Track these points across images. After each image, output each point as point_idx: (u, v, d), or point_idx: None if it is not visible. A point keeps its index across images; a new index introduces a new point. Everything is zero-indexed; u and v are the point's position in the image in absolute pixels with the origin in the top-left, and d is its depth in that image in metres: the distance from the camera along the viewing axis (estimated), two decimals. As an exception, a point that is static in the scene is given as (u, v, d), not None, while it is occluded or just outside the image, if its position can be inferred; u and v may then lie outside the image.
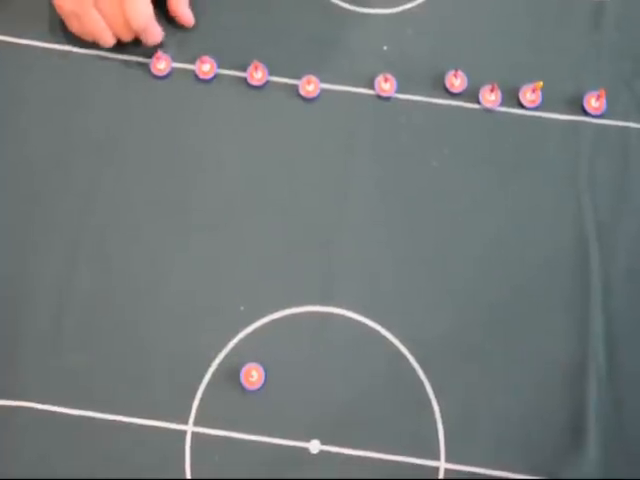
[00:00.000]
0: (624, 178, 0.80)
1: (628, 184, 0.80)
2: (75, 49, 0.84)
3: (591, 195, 0.80)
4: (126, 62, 0.83)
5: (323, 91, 0.83)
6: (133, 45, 0.83)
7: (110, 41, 0.82)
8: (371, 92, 0.83)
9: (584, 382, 0.75)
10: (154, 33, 0.82)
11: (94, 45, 0.83)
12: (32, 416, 0.73)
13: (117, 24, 0.80)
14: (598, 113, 0.81)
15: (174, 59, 0.83)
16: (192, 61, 0.83)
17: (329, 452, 0.73)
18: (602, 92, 0.80)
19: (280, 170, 0.81)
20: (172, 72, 0.83)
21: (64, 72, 0.83)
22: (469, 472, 0.73)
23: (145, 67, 0.83)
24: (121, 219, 0.79)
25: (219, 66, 0.83)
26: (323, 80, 0.83)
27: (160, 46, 0.83)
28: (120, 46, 0.83)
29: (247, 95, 0.83)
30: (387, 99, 0.83)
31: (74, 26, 0.82)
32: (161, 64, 0.83)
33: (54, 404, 0.74)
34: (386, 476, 0.72)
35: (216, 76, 0.83)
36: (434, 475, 0.73)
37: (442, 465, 0.73)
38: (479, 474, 0.72)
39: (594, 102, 0.81)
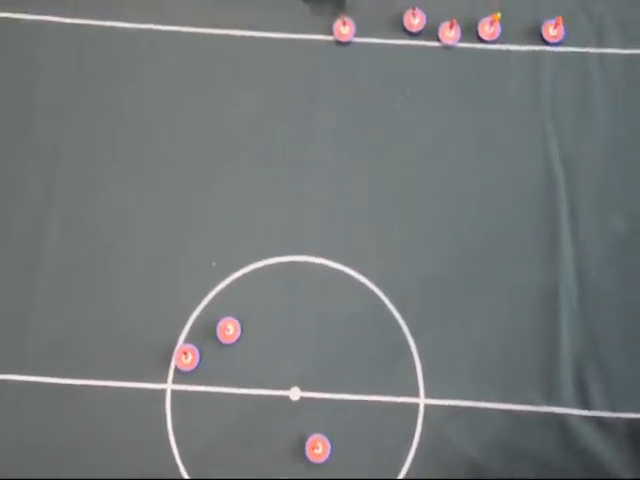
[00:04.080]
0: (586, 103, 0.80)
1: (590, 109, 0.80)
2: (26, 16, 0.82)
3: (554, 123, 0.79)
4: (82, 26, 0.82)
5: (282, 41, 0.82)
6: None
7: None
8: (330, 38, 0.82)
9: (556, 308, 0.75)
10: None
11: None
12: (11, 388, 0.73)
13: None
14: (557, 41, 0.81)
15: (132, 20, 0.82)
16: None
17: (310, 398, 0.73)
18: (559, 19, 0.79)
19: (244, 124, 0.80)
20: (131, 31, 0.82)
21: (19, 39, 0.82)
22: (448, 406, 0.73)
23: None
24: (88, 181, 0.78)
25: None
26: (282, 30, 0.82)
27: None
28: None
29: (207, 48, 0.82)
30: (347, 44, 0.82)
31: None
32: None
33: (32, 374, 0.74)
34: (368, 417, 0.73)
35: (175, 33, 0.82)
36: (415, 410, 0.73)
37: (422, 401, 0.73)
38: (458, 406, 0.73)
39: (552, 30, 0.80)
